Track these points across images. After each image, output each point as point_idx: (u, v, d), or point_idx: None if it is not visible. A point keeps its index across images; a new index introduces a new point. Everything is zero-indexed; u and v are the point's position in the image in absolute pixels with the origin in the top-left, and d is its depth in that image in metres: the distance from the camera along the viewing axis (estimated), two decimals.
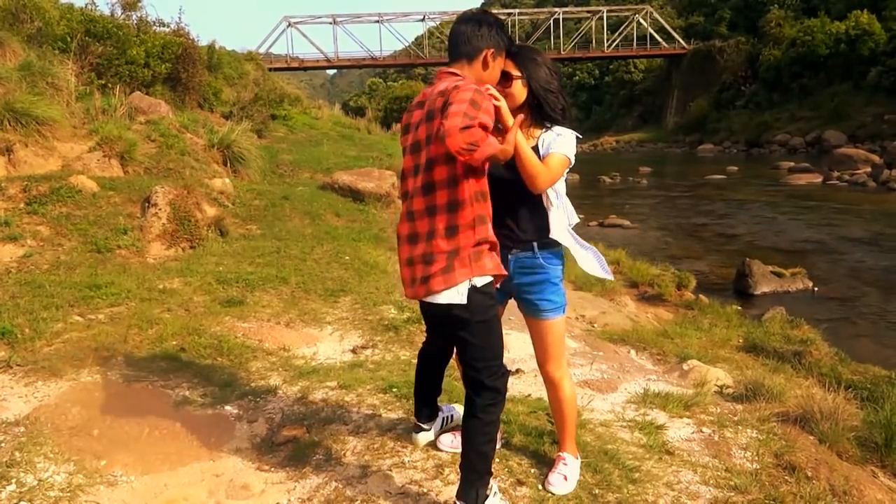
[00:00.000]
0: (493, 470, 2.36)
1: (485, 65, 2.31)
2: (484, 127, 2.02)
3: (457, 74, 2.26)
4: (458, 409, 2.92)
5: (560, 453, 2.68)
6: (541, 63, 2.46)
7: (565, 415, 2.65)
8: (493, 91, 2.27)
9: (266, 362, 3.96)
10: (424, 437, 2.86)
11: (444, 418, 2.89)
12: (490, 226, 2.25)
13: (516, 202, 2.45)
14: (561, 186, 2.51)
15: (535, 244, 2.48)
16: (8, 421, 3.04)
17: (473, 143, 1.99)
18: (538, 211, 2.48)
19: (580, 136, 2.49)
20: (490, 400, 2.27)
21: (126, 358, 3.82)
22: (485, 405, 2.26)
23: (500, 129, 2.27)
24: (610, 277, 2.71)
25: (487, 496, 2.31)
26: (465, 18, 2.34)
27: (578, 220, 2.60)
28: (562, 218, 2.51)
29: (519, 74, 2.43)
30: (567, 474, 2.60)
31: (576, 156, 2.46)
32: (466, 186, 2.16)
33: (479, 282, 2.20)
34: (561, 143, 2.42)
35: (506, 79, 2.42)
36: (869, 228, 15.28)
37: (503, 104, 2.28)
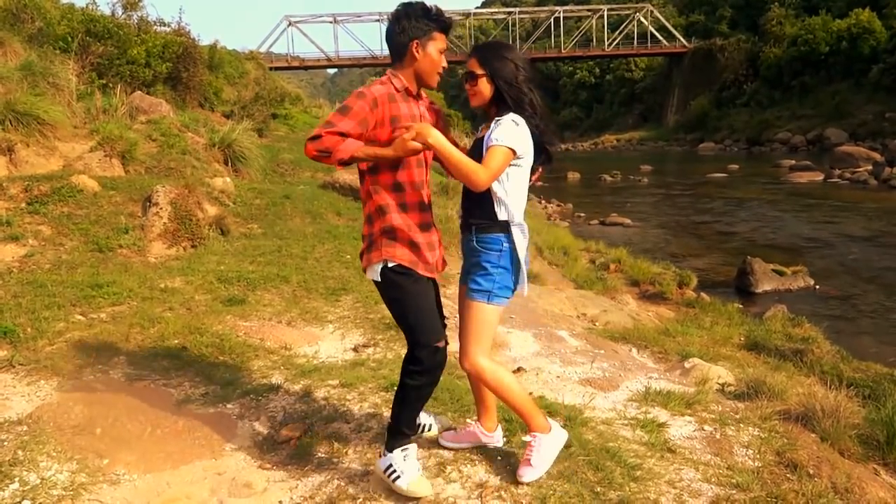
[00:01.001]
0: (406, 432, 2.49)
1: (412, 58, 2.34)
2: (343, 133, 2.18)
3: (386, 75, 2.40)
4: (438, 420, 2.96)
5: (525, 438, 2.62)
6: (508, 59, 2.41)
7: (509, 401, 2.56)
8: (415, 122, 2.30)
9: (268, 361, 3.97)
10: None
11: (420, 425, 2.86)
12: (397, 216, 2.35)
13: (466, 188, 2.46)
14: (507, 180, 2.39)
15: (473, 227, 2.48)
16: (11, 420, 3.04)
17: (323, 150, 2.18)
18: (482, 198, 2.42)
19: (516, 122, 2.36)
20: (414, 366, 2.41)
21: (128, 357, 3.83)
22: (408, 369, 2.43)
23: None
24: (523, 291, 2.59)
25: (395, 450, 2.44)
26: (391, 18, 2.36)
27: (522, 227, 2.47)
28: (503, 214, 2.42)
29: (483, 72, 2.40)
30: (532, 458, 2.55)
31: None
32: (368, 180, 2.39)
33: (392, 263, 2.38)
34: (499, 132, 2.33)
35: (472, 77, 2.42)
36: (870, 226, 15.25)
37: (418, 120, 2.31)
